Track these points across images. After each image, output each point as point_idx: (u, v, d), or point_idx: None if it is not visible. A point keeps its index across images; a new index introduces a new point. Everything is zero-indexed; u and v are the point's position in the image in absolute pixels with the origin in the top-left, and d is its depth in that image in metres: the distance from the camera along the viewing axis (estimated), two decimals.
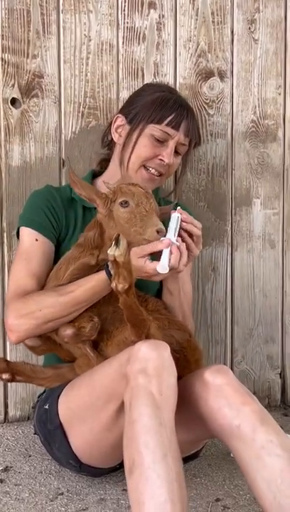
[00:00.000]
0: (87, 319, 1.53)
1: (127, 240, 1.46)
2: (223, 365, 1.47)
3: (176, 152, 1.76)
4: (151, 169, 1.74)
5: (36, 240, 1.67)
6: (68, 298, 1.52)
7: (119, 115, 1.79)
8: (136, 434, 1.28)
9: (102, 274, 1.50)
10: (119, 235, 1.32)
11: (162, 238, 1.47)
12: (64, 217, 1.73)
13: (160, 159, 1.72)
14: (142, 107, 1.73)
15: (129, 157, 1.73)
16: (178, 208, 1.59)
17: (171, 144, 1.73)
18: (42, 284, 1.63)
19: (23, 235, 1.70)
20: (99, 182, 1.83)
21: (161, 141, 1.72)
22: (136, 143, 1.72)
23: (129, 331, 1.42)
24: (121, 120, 1.78)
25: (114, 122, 1.80)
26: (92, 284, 1.52)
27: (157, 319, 1.53)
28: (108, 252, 1.32)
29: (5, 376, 1.59)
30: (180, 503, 1.22)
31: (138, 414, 1.29)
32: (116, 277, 1.34)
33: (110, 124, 1.83)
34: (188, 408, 1.45)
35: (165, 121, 1.71)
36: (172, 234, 1.49)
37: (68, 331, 1.51)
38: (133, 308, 1.39)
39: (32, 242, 1.67)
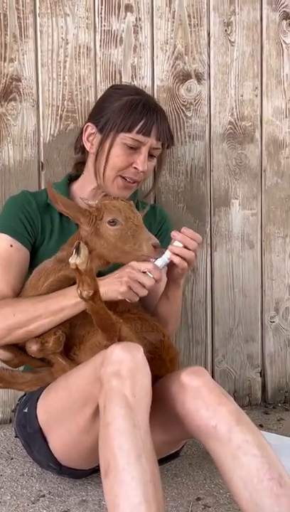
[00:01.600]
0: (50, 333, 1.55)
1: (123, 256, 1.51)
2: (200, 367, 1.49)
3: (151, 155, 1.75)
4: (126, 178, 1.74)
5: (11, 245, 1.68)
6: (40, 305, 1.53)
7: (89, 124, 1.78)
8: (111, 437, 1.29)
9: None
10: (79, 243, 1.34)
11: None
12: (40, 223, 1.73)
13: (135, 168, 1.72)
14: (111, 115, 1.72)
15: (104, 168, 1.73)
16: (176, 233, 1.59)
17: (144, 150, 1.72)
18: (16, 289, 1.64)
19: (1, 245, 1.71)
20: (76, 187, 1.84)
21: (134, 148, 1.72)
22: (108, 153, 1.72)
23: (100, 336, 1.44)
24: (91, 128, 1.77)
25: (85, 131, 1.78)
26: (63, 292, 1.53)
27: (128, 320, 1.54)
28: (69, 260, 1.34)
29: None
30: (155, 503, 1.23)
31: (112, 416, 1.30)
32: (80, 285, 1.35)
33: (81, 132, 1.82)
34: (165, 409, 1.46)
35: (136, 129, 1.70)
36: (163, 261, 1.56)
37: (33, 347, 1.53)
38: (101, 314, 1.40)
39: (7, 248, 1.68)
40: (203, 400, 1.41)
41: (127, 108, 1.71)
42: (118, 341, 1.42)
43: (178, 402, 1.43)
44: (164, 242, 1.71)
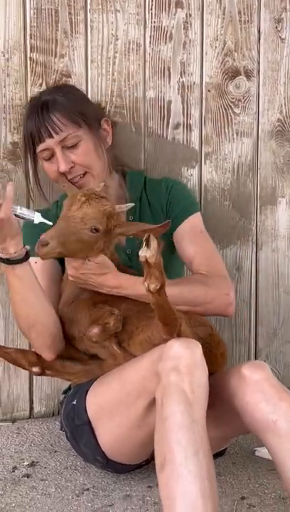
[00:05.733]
0: (108, 314, 1.54)
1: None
2: (261, 361, 1.49)
3: (71, 147, 1.71)
4: (71, 180, 1.72)
5: (35, 262, 1.67)
6: None
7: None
8: (168, 431, 1.28)
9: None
10: (149, 236, 1.32)
11: None
12: None
13: (60, 171, 1.70)
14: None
15: (53, 182, 1.77)
16: None
17: (56, 152, 1.70)
18: (51, 298, 1.64)
19: None
20: None
21: (51, 157, 1.71)
22: (43, 171, 1.77)
23: (161, 330, 1.42)
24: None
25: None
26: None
27: None
28: (139, 253, 1.32)
29: (35, 369, 1.61)
30: (211, 500, 1.23)
31: (171, 411, 1.30)
32: (147, 278, 1.34)
33: None
34: (222, 403, 1.46)
35: (38, 147, 1.71)
36: None
37: (95, 330, 1.52)
38: (165, 308, 1.39)
39: (33, 267, 1.67)
40: (264, 394, 1.40)
41: (24, 129, 1.76)
42: (177, 336, 1.41)
43: (237, 395, 1.43)
44: (177, 206, 1.79)
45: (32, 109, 1.75)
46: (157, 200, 1.82)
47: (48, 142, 1.70)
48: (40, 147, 1.71)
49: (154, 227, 1.50)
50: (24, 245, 1.51)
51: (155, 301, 1.38)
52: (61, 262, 1.72)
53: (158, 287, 1.34)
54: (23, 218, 1.50)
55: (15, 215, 1.48)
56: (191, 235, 1.76)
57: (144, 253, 1.31)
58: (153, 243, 1.30)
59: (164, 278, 1.35)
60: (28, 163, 1.81)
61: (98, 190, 1.56)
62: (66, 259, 1.57)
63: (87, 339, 1.56)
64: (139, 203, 1.81)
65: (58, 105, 1.71)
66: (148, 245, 1.31)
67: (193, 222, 1.79)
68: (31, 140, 1.73)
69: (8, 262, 1.49)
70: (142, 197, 1.83)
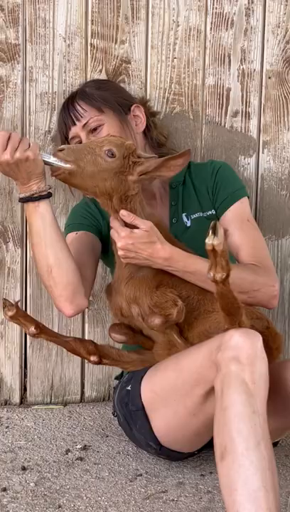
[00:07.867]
0: (171, 304, 1.52)
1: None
2: None
3: (95, 131, 1.73)
4: None
5: (76, 233, 1.72)
6: None
7: None
8: (229, 421, 1.28)
9: None
10: (215, 223, 1.29)
11: None
12: (101, 218, 1.75)
13: None
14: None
15: None
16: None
17: (82, 137, 1.73)
18: (84, 266, 1.65)
19: (67, 240, 1.73)
20: None
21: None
22: None
23: (223, 320, 1.41)
24: None
25: None
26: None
27: None
28: (205, 241, 1.29)
29: (93, 358, 1.61)
30: (273, 491, 1.22)
31: (231, 401, 1.29)
32: (213, 267, 1.31)
33: None
34: (276, 395, 1.45)
35: (68, 137, 1.77)
36: None
37: (156, 321, 1.51)
38: (229, 297, 1.37)
39: (73, 238, 1.72)
40: None
41: (56, 125, 1.85)
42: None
43: None
44: (224, 190, 1.77)
45: (62, 104, 1.82)
46: (203, 183, 1.80)
47: (74, 129, 1.74)
48: (69, 137, 1.76)
49: (175, 155, 1.53)
50: (46, 184, 1.55)
51: (219, 291, 1.36)
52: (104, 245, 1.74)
53: (223, 277, 1.32)
54: (49, 164, 1.53)
55: (44, 161, 1.53)
56: (238, 222, 1.73)
57: (211, 241, 1.28)
58: (220, 230, 1.27)
59: (230, 267, 1.32)
60: None
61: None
62: (112, 232, 1.54)
63: (147, 326, 1.56)
64: (182, 187, 1.79)
65: (82, 94, 1.76)
66: (214, 233, 1.28)
67: (240, 209, 1.76)
68: (62, 133, 1.78)
69: (32, 198, 1.52)
70: (186, 180, 1.80)
